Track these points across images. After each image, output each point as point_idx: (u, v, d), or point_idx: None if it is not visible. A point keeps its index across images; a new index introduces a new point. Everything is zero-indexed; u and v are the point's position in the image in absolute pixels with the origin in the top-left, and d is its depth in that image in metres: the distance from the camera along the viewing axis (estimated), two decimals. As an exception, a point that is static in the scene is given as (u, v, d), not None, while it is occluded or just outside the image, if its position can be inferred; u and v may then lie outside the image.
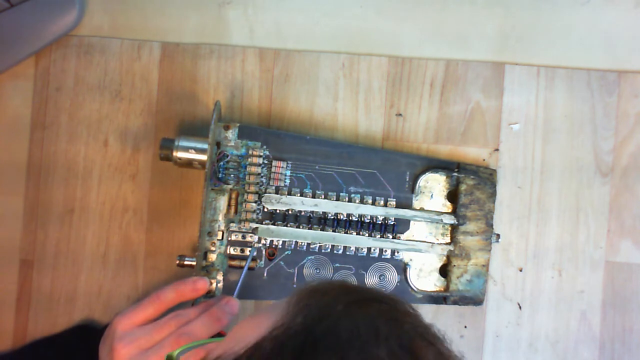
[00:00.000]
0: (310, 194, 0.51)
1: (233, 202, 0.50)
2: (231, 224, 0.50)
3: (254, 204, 0.50)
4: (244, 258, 0.50)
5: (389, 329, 0.27)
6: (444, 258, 0.52)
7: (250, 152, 0.50)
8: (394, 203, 0.51)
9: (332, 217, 0.50)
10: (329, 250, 0.50)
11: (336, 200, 0.51)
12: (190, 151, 0.49)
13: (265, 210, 0.50)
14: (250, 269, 0.50)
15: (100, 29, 0.54)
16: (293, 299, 0.29)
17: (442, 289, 0.51)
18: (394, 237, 0.51)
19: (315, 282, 0.31)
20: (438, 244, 0.51)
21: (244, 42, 0.54)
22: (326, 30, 0.54)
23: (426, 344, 0.27)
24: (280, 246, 0.50)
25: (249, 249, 0.50)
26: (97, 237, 0.53)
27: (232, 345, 0.27)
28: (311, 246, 0.50)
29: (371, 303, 0.29)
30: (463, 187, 0.51)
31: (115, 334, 0.43)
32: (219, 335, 0.45)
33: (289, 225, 0.50)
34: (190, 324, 0.43)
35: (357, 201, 0.51)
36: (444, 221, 0.51)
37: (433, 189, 0.52)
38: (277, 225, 0.50)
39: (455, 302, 0.51)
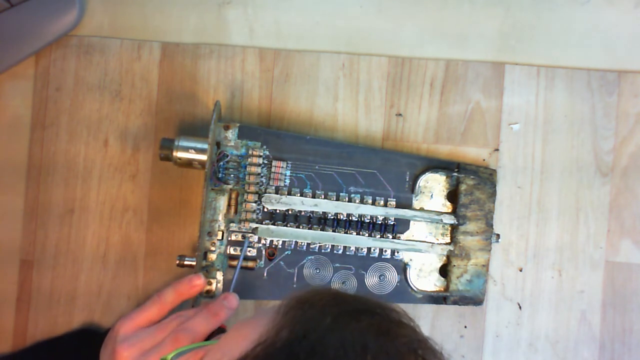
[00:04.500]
0: (310, 194, 0.51)
1: (233, 202, 0.50)
2: (231, 224, 0.50)
3: (253, 204, 0.50)
4: (244, 258, 0.49)
5: (379, 345, 0.25)
6: (444, 258, 0.52)
7: (250, 152, 0.50)
8: (394, 203, 0.51)
9: (332, 217, 0.50)
10: (328, 250, 0.50)
11: (336, 200, 0.51)
12: (190, 151, 0.49)
13: (265, 210, 0.50)
14: (250, 269, 0.50)
15: (100, 29, 0.54)
16: (281, 310, 0.28)
17: (442, 289, 0.51)
18: (393, 237, 0.51)
19: (304, 291, 0.29)
20: (438, 244, 0.51)
21: (244, 42, 0.54)
22: (326, 30, 0.54)
23: None
24: (280, 246, 0.50)
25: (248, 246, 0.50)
26: (97, 237, 0.53)
27: (219, 357, 0.27)
28: (311, 246, 0.50)
29: (361, 315, 0.27)
30: (463, 187, 0.51)
31: (118, 337, 0.43)
32: (220, 330, 0.45)
33: (289, 225, 0.50)
34: (189, 321, 0.43)
35: (357, 201, 0.51)
36: (444, 221, 0.51)
37: (433, 189, 0.52)
38: (277, 225, 0.50)
39: (455, 302, 0.51)
